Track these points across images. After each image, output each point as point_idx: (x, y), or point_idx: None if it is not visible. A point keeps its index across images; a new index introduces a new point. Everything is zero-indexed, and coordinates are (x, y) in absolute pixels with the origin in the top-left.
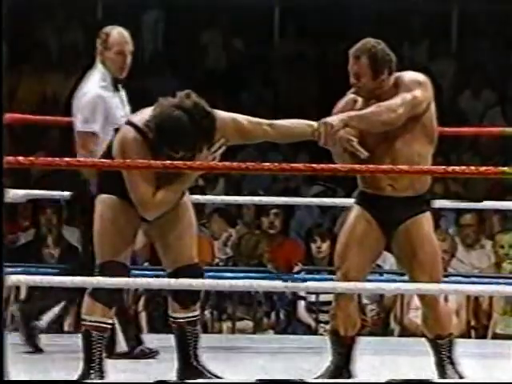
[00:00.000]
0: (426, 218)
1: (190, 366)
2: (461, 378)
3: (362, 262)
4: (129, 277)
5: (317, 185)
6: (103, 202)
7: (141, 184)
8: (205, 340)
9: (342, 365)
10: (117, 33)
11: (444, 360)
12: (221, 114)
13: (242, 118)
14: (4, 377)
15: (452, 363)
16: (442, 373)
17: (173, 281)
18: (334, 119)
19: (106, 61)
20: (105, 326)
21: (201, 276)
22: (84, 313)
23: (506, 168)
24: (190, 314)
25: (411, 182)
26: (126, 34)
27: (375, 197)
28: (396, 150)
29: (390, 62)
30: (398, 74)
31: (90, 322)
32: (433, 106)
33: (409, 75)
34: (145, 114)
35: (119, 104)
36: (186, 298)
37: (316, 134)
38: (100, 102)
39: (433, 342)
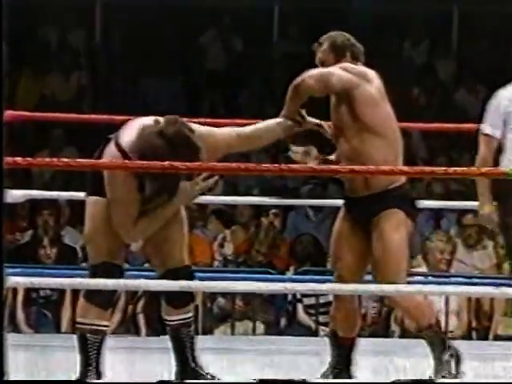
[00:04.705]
0: (388, 216)
1: (188, 368)
2: (456, 371)
3: (352, 262)
4: (122, 278)
5: (308, 184)
6: (93, 203)
7: (122, 213)
8: (204, 341)
9: (341, 366)
10: None
11: (435, 352)
12: (202, 133)
13: (220, 134)
14: (4, 377)
15: (441, 358)
16: (437, 367)
17: (172, 282)
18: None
19: None
20: (100, 328)
21: (190, 279)
22: (79, 315)
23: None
24: (184, 316)
25: (364, 181)
26: None
27: (347, 198)
28: (346, 149)
29: (352, 46)
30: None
31: (85, 324)
32: (373, 99)
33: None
34: (132, 135)
35: None
36: (179, 299)
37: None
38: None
39: (420, 336)
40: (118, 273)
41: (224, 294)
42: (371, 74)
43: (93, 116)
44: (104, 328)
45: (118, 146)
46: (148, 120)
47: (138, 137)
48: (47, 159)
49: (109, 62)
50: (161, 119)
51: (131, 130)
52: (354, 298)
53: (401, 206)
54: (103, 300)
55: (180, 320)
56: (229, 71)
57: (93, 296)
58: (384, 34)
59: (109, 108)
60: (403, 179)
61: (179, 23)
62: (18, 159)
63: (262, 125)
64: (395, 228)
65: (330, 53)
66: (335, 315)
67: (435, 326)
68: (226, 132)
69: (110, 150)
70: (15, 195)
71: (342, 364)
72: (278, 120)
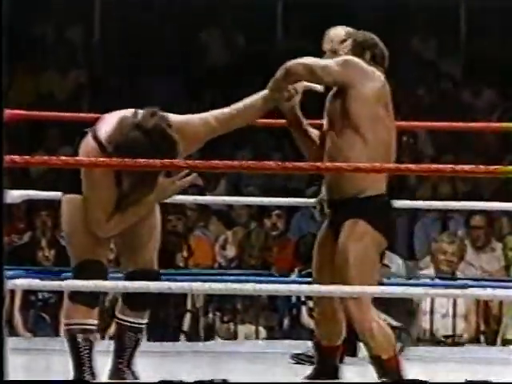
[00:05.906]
0: (351, 225)
1: (119, 370)
2: None
3: (317, 264)
4: (107, 274)
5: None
6: (69, 202)
7: (97, 206)
8: (207, 345)
9: (326, 376)
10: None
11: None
12: (180, 121)
13: (199, 119)
14: (4, 377)
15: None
16: None
17: (172, 284)
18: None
19: None
20: (89, 327)
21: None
22: (65, 317)
23: None
24: (139, 321)
25: (336, 183)
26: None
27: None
28: (329, 145)
29: (374, 46)
30: None
31: (73, 325)
32: (366, 99)
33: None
34: (110, 127)
35: None
36: (139, 303)
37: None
38: None
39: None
40: (102, 270)
41: (225, 297)
42: (377, 75)
43: (90, 115)
44: (92, 327)
45: (95, 137)
46: (127, 112)
47: (115, 128)
48: (45, 157)
49: (107, 59)
50: (140, 111)
51: (109, 122)
52: (337, 304)
53: (367, 218)
54: (89, 298)
55: (133, 323)
56: (230, 69)
57: (78, 296)
58: (389, 30)
59: (107, 107)
60: (382, 190)
61: (179, 20)
62: (16, 157)
63: (241, 103)
64: (357, 239)
65: (351, 50)
66: (318, 320)
67: (386, 362)
68: (205, 117)
69: (87, 143)
70: (12, 196)
71: (325, 373)
72: (260, 94)
